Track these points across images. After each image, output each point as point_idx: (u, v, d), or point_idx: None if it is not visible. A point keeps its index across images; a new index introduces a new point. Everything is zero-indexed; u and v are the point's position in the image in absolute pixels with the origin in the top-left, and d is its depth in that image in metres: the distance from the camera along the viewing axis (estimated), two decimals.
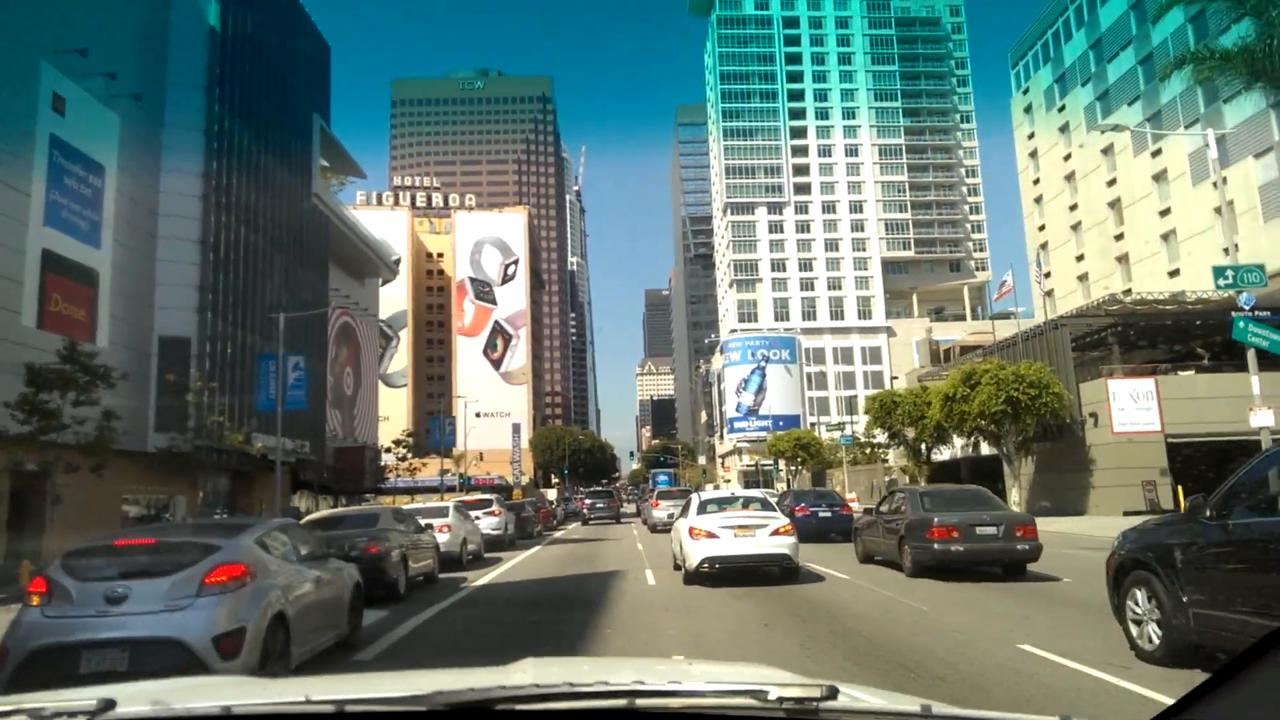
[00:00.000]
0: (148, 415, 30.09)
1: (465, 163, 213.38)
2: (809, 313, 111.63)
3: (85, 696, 1.73)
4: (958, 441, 35.36)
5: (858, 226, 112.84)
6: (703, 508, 14.08)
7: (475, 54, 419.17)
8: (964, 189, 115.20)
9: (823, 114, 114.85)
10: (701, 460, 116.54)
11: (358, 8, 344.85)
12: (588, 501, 43.33)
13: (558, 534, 33.55)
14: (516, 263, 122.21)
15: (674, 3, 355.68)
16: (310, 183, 42.44)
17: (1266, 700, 1.13)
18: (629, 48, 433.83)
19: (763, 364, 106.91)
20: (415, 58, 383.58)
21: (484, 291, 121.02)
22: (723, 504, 14.55)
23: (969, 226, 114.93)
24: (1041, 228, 51.28)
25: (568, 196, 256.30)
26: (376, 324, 68.57)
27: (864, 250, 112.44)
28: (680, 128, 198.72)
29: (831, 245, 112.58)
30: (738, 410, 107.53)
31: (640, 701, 1.61)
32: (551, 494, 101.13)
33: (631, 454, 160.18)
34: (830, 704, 1.59)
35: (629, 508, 57.26)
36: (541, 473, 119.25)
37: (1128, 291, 36.14)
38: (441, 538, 17.61)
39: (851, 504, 26.26)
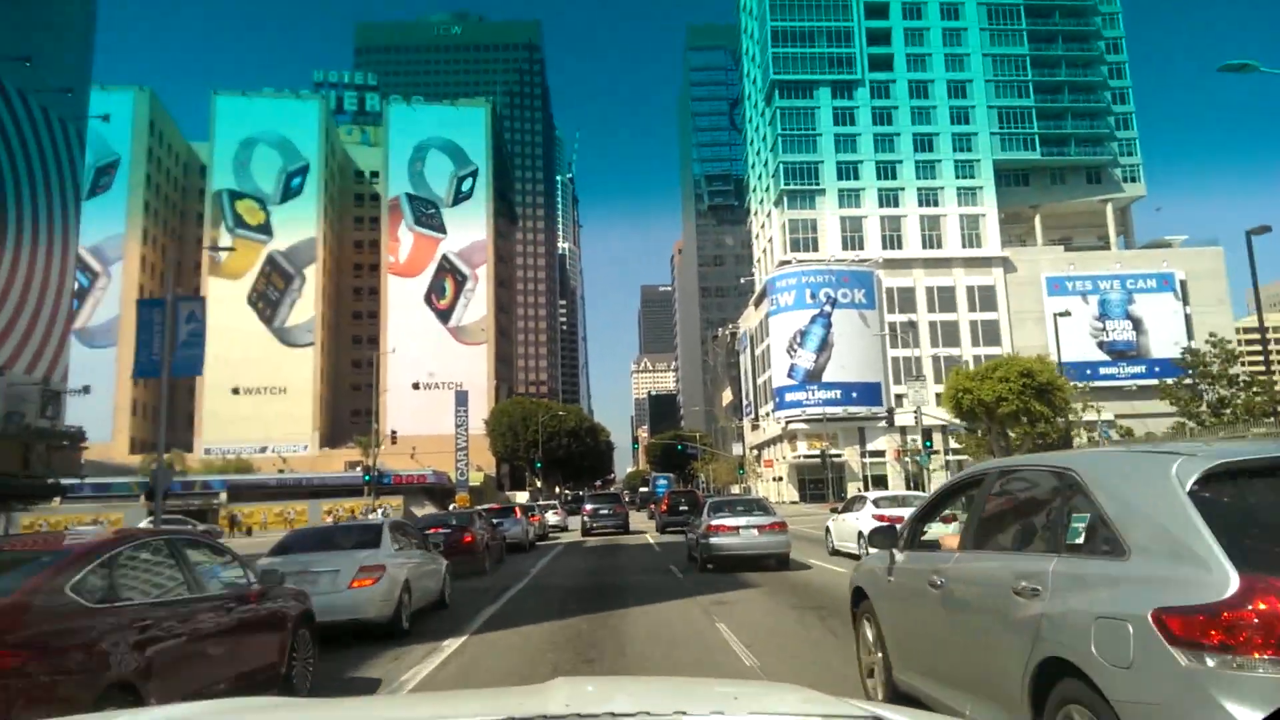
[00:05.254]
0: None
1: None
2: (891, 239, 77.79)
3: None
4: None
5: (960, 117, 79.10)
6: None
7: None
8: (1104, 69, 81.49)
9: None
10: (736, 451, 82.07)
11: None
12: (589, 508, 35.03)
13: None
14: (475, 175, 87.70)
15: None
16: None
17: None
18: None
19: (827, 308, 73.12)
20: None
21: (427, 215, 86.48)
22: None
23: (1112, 121, 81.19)
24: None
25: (558, 178, 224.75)
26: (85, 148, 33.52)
27: (969, 150, 78.66)
28: (690, 53, 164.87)
29: (923, 143, 78.79)
30: (790, 375, 73.63)
31: None
32: (522, 498, 68.32)
33: (634, 443, 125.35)
34: None
35: (636, 519, 42.97)
36: (508, 468, 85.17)
37: None
38: None
39: None
